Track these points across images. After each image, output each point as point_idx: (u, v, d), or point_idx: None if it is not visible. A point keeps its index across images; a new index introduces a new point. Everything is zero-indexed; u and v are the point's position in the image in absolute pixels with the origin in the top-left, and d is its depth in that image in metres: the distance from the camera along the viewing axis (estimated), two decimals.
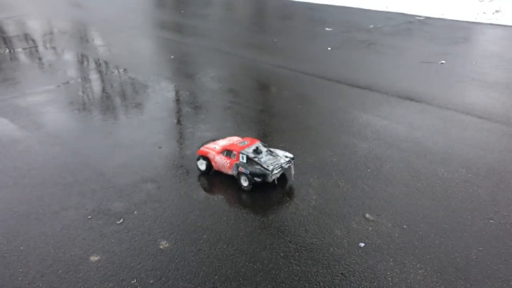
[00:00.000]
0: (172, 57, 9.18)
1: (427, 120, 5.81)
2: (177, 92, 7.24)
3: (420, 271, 3.13)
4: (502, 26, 12.08)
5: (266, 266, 3.21)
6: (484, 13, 13.51)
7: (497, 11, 13.69)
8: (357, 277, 3.09)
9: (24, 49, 10.32)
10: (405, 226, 3.64)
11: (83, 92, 7.30)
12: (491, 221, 3.70)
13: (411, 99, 6.54)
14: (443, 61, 8.47)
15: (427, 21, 12.63)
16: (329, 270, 3.16)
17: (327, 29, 11.67)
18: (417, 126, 5.63)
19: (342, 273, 3.13)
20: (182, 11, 14.93)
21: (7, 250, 3.47)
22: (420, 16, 13.26)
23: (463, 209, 3.87)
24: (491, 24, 12.34)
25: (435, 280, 3.05)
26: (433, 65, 8.28)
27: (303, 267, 3.20)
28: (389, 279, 3.07)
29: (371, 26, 11.95)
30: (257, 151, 4.24)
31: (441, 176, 4.40)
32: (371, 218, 3.75)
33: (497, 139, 5.25)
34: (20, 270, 3.25)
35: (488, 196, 4.05)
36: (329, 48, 9.62)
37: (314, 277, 3.11)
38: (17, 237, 3.61)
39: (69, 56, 9.68)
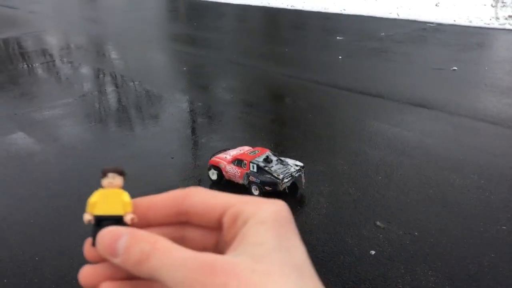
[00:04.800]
0: (185, 68, 9.31)
1: (438, 127, 5.78)
2: (190, 103, 7.34)
3: (432, 279, 3.12)
4: None
5: None
6: (497, 18, 13.40)
7: (510, 16, 13.57)
8: (368, 285, 3.10)
9: (41, 63, 10.58)
10: (416, 233, 3.63)
11: (99, 104, 7.45)
12: (504, 227, 3.67)
13: (422, 106, 6.52)
14: (455, 68, 8.42)
15: (439, 28, 12.58)
16: (339, 279, 3.17)
17: (338, 38, 11.71)
18: (428, 133, 5.61)
19: (353, 281, 3.14)
20: (195, 24, 15.13)
21: (23, 260, 3.56)
22: (432, 23, 13.21)
23: (475, 216, 3.84)
24: (504, 29, 12.24)
25: (447, 287, 3.04)
26: (445, 72, 8.25)
27: None
28: (400, 286, 3.07)
29: (383, 34, 11.96)
30: (267, 160, 4.28)
31: (453, 183, 4.38)
32: (382, 225, 3.75)
33: (509, 145, 5.21)
34: (36, 280, 3.33)
35: (500, 203, 4.02)
36: (340, 57, 9.65)
37: (325, 285, 3.11)
38: (32, 248, 3.71)
39: (85, 70, 9.89)
